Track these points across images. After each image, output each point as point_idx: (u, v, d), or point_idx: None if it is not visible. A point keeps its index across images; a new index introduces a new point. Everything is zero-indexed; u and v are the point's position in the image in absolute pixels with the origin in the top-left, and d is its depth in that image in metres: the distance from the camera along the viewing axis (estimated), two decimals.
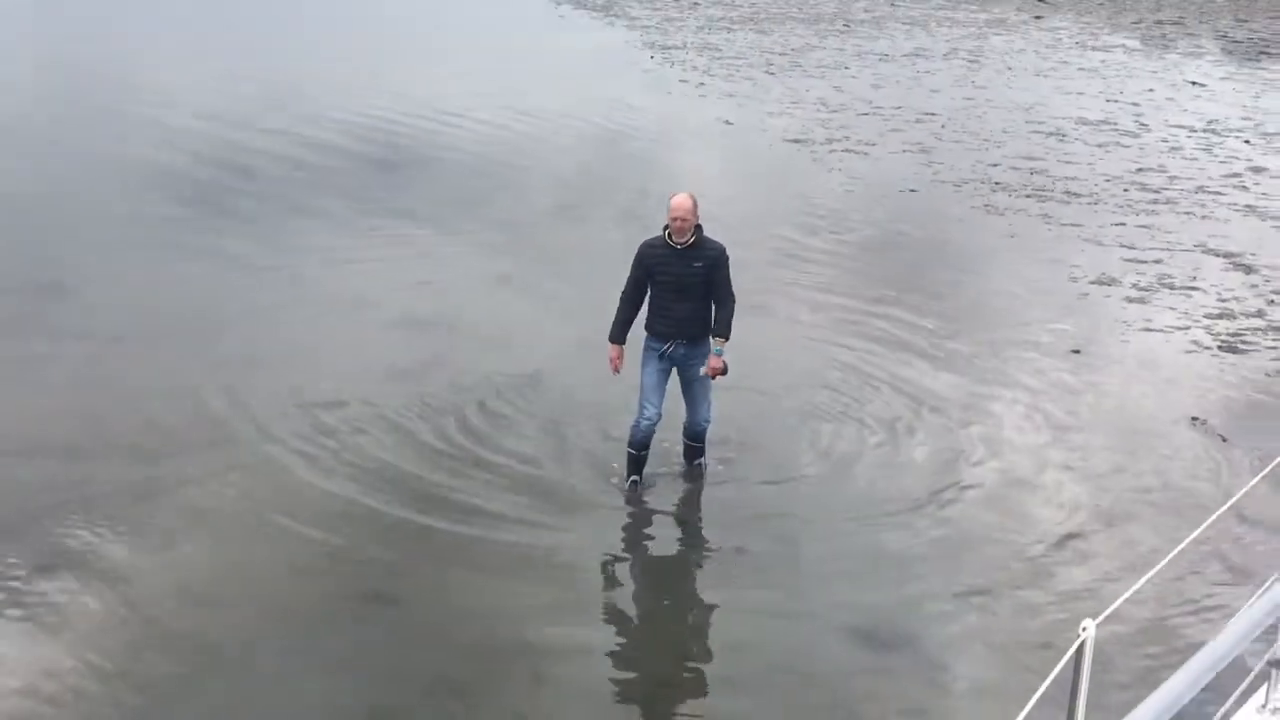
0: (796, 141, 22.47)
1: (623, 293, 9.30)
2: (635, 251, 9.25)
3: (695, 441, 9.60)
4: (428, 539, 8.69)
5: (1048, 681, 3.00)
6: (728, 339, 9.05)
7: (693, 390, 9.34)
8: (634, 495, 9.34)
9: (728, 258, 9.13)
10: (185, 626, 7.66)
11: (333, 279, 14.00)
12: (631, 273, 9.22)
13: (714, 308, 9.12)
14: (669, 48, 33.02)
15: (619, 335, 9.27)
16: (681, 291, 9.04)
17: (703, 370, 9.12)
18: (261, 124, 21.43)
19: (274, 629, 7.72)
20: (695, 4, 43.51)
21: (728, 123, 24.07)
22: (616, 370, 9.31)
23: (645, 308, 9.27)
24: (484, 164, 19.93)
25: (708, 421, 9.48)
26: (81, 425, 10.04)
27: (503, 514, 9.04)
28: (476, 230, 16.24)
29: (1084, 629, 3.09)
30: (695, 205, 8.99)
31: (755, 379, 11.17)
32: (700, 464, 9.68)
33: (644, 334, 9.27)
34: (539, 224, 16.83)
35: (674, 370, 9.29)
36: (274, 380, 11.05)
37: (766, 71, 29.94)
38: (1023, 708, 3.02)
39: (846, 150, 21.83)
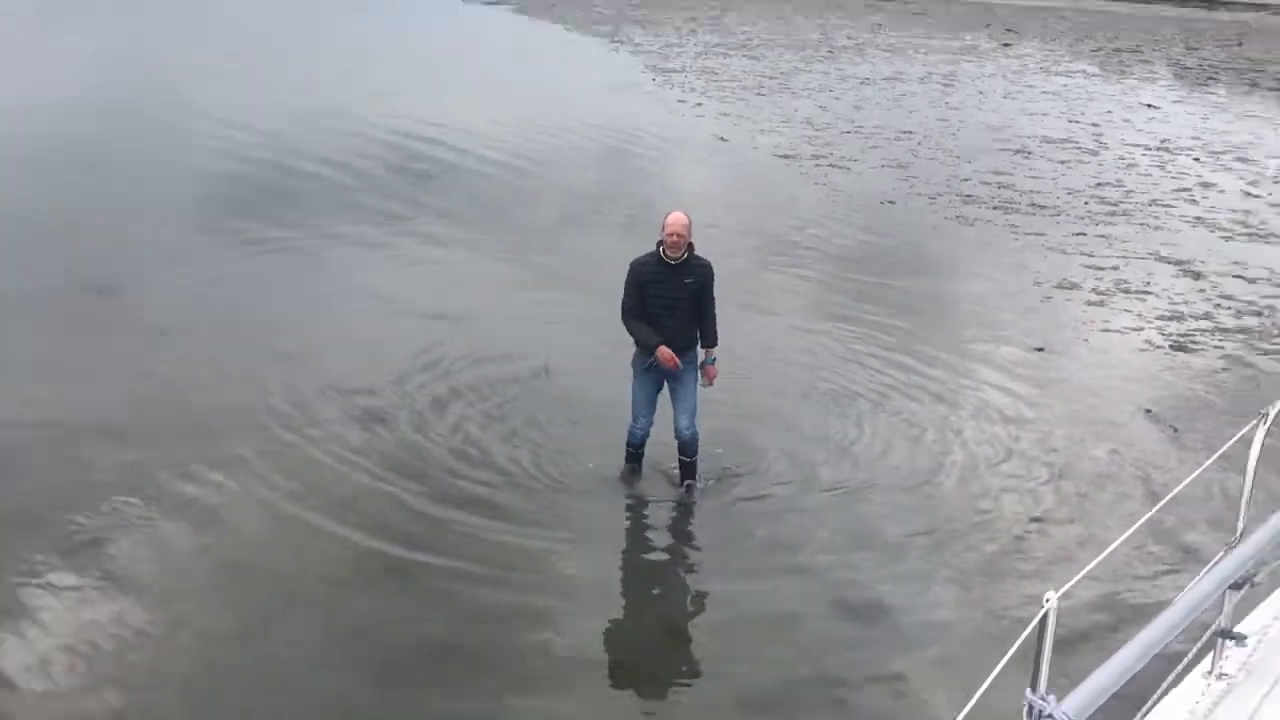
0: (785, 157, 22.44)
1: (628, 310, 8.78)
2: (628, 269, 8.80)
3: (687, 456, 9.10)
4: (443, 520, 8.59)
5: (1014, 648, 2.98)
6: (716, 346, 8.93)
7: (678, 398, 8.96)
8: (632, 481, 9.23)
9: (713, 273, 8.87)
10: (222, 594, 7.63)
11: (363, 278, 13.96)
12: (627, 293, 8.76)
13: (700, 319, 8.83)
14: (669, 71, 32.99)
15: (653, 337, 8.68)
16: (673, 308, 8.69)
17: (703, 382, 8.91)
18: (301, 139, 21.40)
19: (299, 596, 7.67)
20: (693, 31, 43.46)
21: (722, 139, 24.04)
22: (677, 366, 8.71)
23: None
24: (501, 176, 19.90)
25: (689, 429, 8.98)
26: (131, 411, 10.00)
27: (514, 498, 8.98)
28: (494, 235, 16.22)
29: (1047, 600, 3.06)
30: (690, 223, 8.65)
31: (744, 372, 11.13)
32: (690, 485, 9.14)
33: (632, 350, 8.96)
34: (550, 231, 16.81)
35: (664, 383, 8.97)
36: (309, 370, 11.01)
37: (758, 93, 29.91)
38: (990, 673, 3.00)
39: (831, 165, 21.80)
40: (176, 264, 14.06)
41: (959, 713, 2.91)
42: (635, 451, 9.22)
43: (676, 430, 9.04)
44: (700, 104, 27.95)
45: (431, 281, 14.02)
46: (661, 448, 9.37)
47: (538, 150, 21.77)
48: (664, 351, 8.68)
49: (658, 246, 8.70)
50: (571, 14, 47.54)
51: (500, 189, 18.99)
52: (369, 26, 41.20)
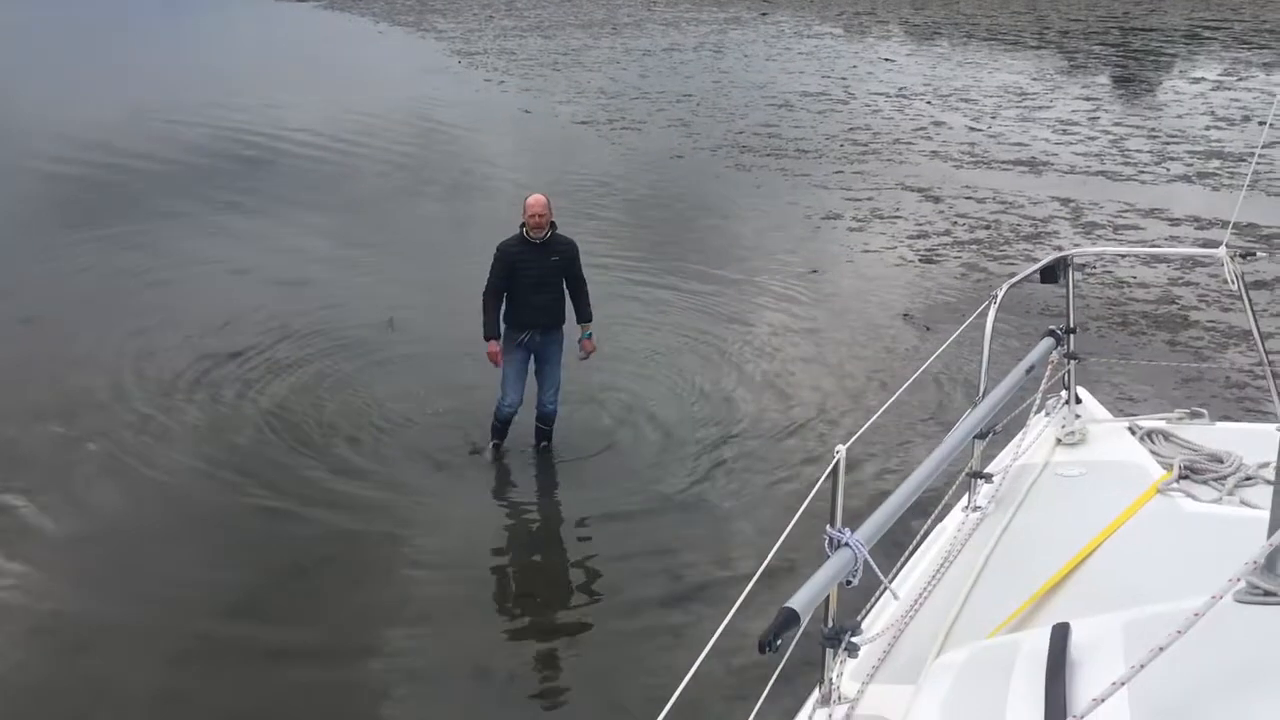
0: (584, 123, 22.49)
1: (486, 293, 8.28)
2: (493, 252, 8.26)
3: (544, 424, 8.66)
4: (307, 470, 8.38)
5: (813, 492, 3.17)
6: (591, 321, 8.52)
7: (544, 376, 8.51)
8: (495, 452, 8.65)
9: (578, 250, 8.47)
10: (98, 551, 7.38)
11: (207, 257, 13.50)
12: (493, 274, 8.23)
13: (572, 296, 8.42)
14: (472, 54, 32.52)
15: (493, 331, 8.26)
16: (542, 284, 8.21)
17: (580, 355, 8.53)
18: (134, 137, 20.43)
19: (178, 537, 7.51)
20: (490, 18, 42.85)
21: (526, 112, 23.92)
22: (498, 364, 8.32)
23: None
24: (327, 159, 19.40)
25: (553, 404, 8.57)
26: (3, 395, 9.54)
27: (369, 444, 8.90)
28: (324, 211, 15.83)
29: (838, 452, 3.27)
30: (549, 203, 8.23)
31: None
32: (546, 446, 8.69)
33: (503, 326, 8.34)
34: (377, 203, 16.50)
35: (531, 360, 8.47)
36: (164, 342, 10.63)
37: (554, 69, 29.79)
38: (793, 516, 3.21)
39: (624, 128, 21.96)
40: (34, 259, 13.36)
41: (770, 551, 3.13)
42: (501, 427, 8.57)
43: (540, 404, 8.58)
44: (503, 82, 27.69)
45: (270, 255, 13.63)
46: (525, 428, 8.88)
47: (358, 133, 21.26)
48: (490, 348, 8.28)
49: (521, 228, 8.24)
50: (376, 6, 46.28)
51: (326, 169, 18.54)
52: (179, 26, 39.28)
